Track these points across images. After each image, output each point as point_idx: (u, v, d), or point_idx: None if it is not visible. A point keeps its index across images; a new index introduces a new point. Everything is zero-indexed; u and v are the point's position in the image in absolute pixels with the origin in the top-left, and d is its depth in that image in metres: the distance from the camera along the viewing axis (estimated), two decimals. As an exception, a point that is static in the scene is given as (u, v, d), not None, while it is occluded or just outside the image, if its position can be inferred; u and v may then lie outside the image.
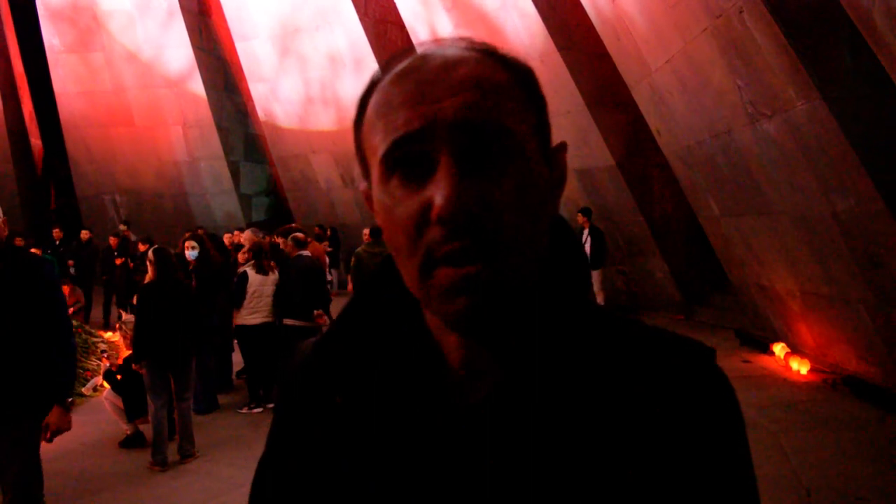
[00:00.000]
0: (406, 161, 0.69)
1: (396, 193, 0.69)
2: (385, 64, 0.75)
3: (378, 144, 0.70)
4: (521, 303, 0.70)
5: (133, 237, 14.20)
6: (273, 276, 7.40)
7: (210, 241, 8.81)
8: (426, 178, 0.67)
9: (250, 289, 7.29)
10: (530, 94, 0.73)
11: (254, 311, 7.31)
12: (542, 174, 0.72)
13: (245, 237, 9.37)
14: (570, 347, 0.72)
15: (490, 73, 0.70)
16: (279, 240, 8.15)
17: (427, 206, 0.67)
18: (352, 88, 14.43)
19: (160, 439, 5.86)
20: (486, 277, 0.66)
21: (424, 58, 0.71)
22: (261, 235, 9.27)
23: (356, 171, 0.77)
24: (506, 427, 0.70)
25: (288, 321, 7.22)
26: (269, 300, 7.31)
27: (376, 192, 0.72)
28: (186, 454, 5.95)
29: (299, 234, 7.86)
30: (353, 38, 14.79)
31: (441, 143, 0.67)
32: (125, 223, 16.06)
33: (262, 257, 7.46)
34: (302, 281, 7.23)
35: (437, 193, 0.65)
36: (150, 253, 6.46)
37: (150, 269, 6.34)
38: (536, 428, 0.69)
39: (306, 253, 7.64)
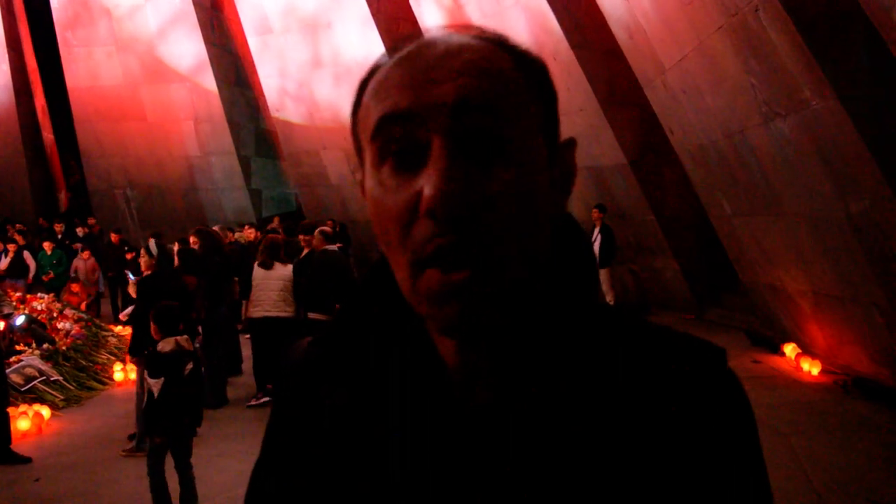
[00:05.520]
0: (398, 146, 0.65)
1: (387, 181, 0.66)
2: (390, 49, 0.71)
3: (370, 126, 0.67)
4: (518, 304, 0.67)
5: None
6: (279, 272, 7.46)
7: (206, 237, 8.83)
8: (419, 167, 0.63)
9: (254, 283, 7.44)
10: (538, 87, 0.69)
11: (255, 304, 7.48)
12: (544, 171, 0.68)
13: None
14: (576, 347, 0.70)
15: (496, 61, 0.66)
16: (302, 237, 8.25)
17: (417, 197, 0.63)
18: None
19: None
20: (475, 284, 0.62)
21: (429, 43, 0.68)
22: (226, 232, 9.47)
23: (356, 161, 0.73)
24: (508, 429, 0.68)
25: (313, 315, 7.29)
26: (271, 294, 7.41)
27: (367, 179, 0.69)
28: None
29: (326, 228, 7.96)
30: (366, 33, 14.78)
31: (434, 128, 0.63)
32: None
33: (264, 253, 7.61)
34: (328, 275, 7.27)
35: (427, 183, 0.61)
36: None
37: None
38: (540, 429, 0.67)
39: (332, 247, 7.69)
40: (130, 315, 6.58)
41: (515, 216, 0.64)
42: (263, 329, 7.45)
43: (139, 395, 6.23)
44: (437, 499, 0.69)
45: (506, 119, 0.64)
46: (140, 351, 6.17)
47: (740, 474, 0.67)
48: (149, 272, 6.96)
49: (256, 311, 7.45)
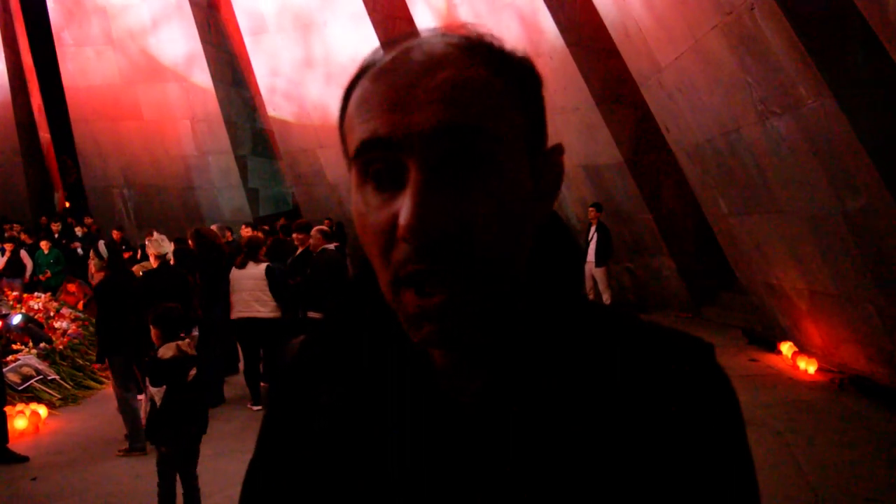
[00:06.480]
0: (378, 167, 0.66)
1: (369, 200, 0.67)
2: (372, 54, 0.71)
3: (352, 146, 0.68)
4: (497, 320, 0.67)
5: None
6: (251, 271, 7.34)
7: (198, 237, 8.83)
8: (399, 187, 0.65)
9: (230, 283, 7.39)
10: (522, 95, 0.69)
11: (233, 305, 7.39)
12: (527, 183, 0.68)
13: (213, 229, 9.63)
14: (562, 343, 0.70)
15: (474, 75, 0.65)
16: (296, 235, 8.25)
17: (396, 218, 0.64)
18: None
19: (136, 426, 5.94)
20: (451, 307, 0.64)
21: (407, 54, 0.67)
22: (224, 231, 9.47)
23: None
24: (506, 428, 0.69)
25: (312, 314, 7.27)
26: (243, 294, 7.30)
27: (353, 192, 0.70)
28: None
29: (325, 227, 7.97)
30: (362, 32, 14.78)
31: (412, 154, 0.64)
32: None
33: (239, 252, 7.59)
34: (326, 274, 7.26)
35: (403, 211, 0.62)
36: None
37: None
38: (526, 424, 0.68)
39: (330, 246, 7.68)
40: (95, 322, 6.50)
41: (494, 236, 0.65)
42: (242, 330, 7.38)
43: (120, 398, 6.24)
44: (436, 499, 0.69)
45: (485, 138, 0.64)
46: (104, 358, 6.16)
47: (727, 467, 0.68)
48: (101, 277, 6.80)
49: (234, 313, 7.34)
